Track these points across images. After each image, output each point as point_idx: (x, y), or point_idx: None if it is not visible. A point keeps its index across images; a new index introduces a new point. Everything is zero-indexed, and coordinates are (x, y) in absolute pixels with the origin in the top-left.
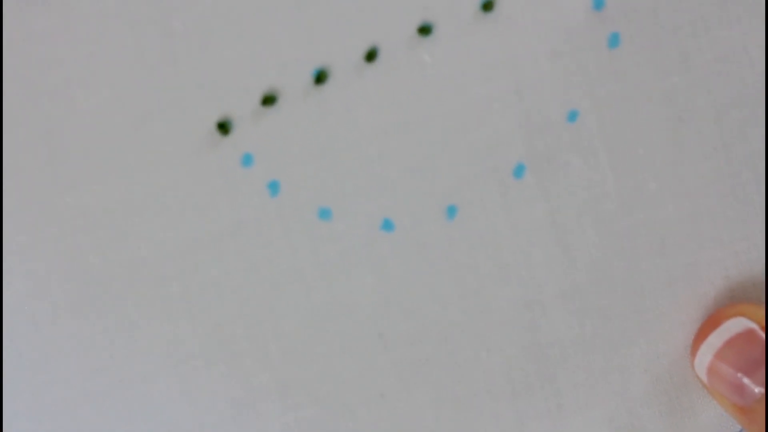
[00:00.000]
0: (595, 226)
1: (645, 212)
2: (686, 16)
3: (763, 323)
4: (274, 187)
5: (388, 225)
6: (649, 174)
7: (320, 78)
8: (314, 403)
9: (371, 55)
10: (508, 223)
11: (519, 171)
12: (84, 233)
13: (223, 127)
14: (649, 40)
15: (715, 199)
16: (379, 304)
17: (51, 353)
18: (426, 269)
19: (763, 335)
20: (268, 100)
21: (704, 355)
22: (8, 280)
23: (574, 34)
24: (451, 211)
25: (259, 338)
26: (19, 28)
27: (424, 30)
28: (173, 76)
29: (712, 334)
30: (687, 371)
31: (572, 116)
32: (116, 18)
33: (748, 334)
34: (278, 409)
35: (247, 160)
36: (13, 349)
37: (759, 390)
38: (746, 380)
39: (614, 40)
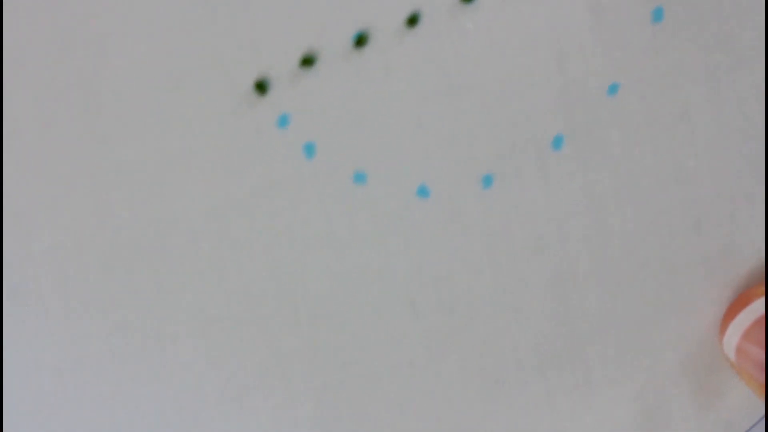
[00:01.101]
0: (632, 201)
1: (683, 189)
2: None
3: None
4: (309, 149)
5: (423, 191)
6: (689, 151)
7: (360, 41)
8: (342, 368)
9: (413, 20)
10: (544, 194)
11: (557, 142)
12: (115, 189)
13: (261, 87)
14: (693, 17)
15: (753, 179)
16: (412, 271)
17: (77, 309)
18: (460, 238)
19: None
20: (307, 62)
21: (733, 335)
22: (37, 234)
23: (618, 6)
24: (487, 180)
25: (288, 301)
26: None
27: None
28: (212, 34)
29: (740, 312)
30: (716, 351)
31: (613, 89)
32: None
33: None
34: (306, 373)
35: (283, 121)
36: (40, 303)
37: None
38: None
39: (658, 15)
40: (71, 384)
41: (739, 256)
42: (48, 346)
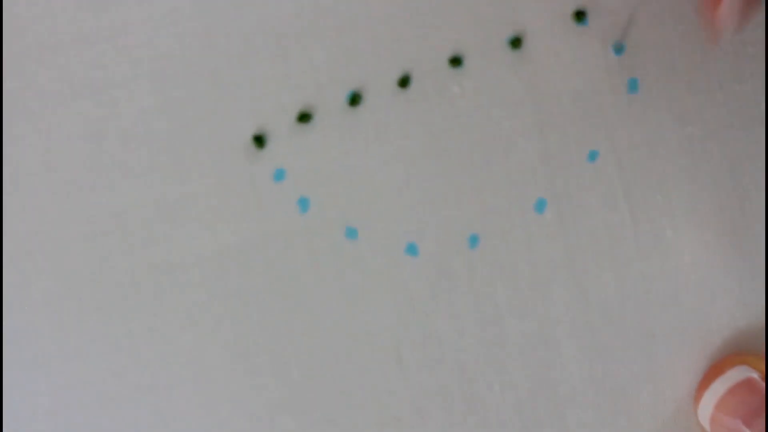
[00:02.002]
0: (611, 267)
1: (661, 259)
2: (701, 70)
3: (762, 374)
4: (303, 203)
5: (412, 249)
6: (666, 222)
7: (354, 100)
8: (331, 424)
9: (404, 82)
10: (527, 256)
11: (540, 206)
12: (115, 235)
13: (259, 141)
14: (667, 90)
15: (728, 250)
16: (399, 326)
17: (74, 353)
18: (447, 296)
19: (764, 385)
20: (304, 118)
21: (707, 403)
22: (37, 277)
23: (596, 77)
24: (474, 240)
25: (279, 353)
26: (69, 30)
27: (455, 61)
28: (214, 88)
29: (714, 382)
30: (691, 417)
31: (592, 156)
32: (163, 28)
33: (749, 383)
34: (294, 425)
35: (279, 174)
36: (37, 346)
37: None
38: (746, 430)
39: (633, 86)
40: (64, 427)
41: (714, 327)
42: (44, 390)
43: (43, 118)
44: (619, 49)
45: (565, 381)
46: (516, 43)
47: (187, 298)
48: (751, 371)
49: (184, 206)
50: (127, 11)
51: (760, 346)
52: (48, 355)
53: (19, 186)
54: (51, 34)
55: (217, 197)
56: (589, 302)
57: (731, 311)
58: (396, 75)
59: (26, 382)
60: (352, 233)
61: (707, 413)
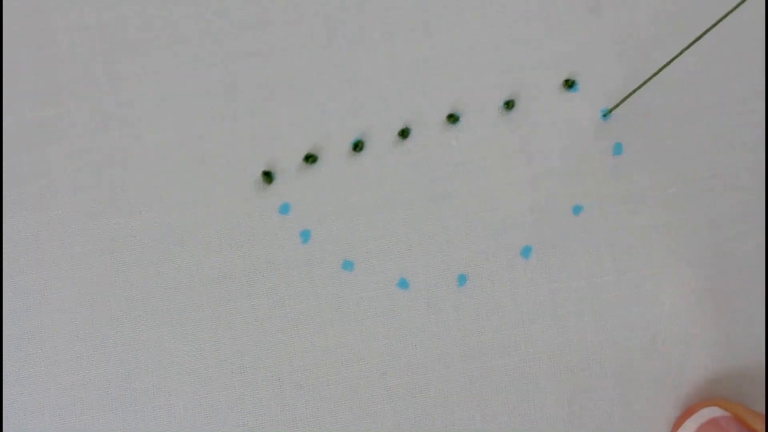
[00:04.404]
0: (592, 313)
1: (640, 308)
2: (683, 137)
3: (734, 415)
4: (305, 235)
5: (403, 283)
6: (646, 274)
7: (358, 146)
8: None
9: (404, 133)
10: (512, 297)
11: (526, 252)
12: (130, 253)
13: (268, 176)
14: (650, 154)
15: (704, 302)
16: (388, 355)
17: (84, 356)
18: (434, 328)
19: (733, 423)
20: (310, 159)
21: None
22: (57, 285)
23: (583, 139)
24: (462, 279)
25: (274, 370)
26: (104, 70)
27: (452, 118)
28: (231, 128)
29: (687, 419)
30: None
31: (577, 210)
32: (189, 74)
33: (719, 421)
34: None
35: (284, 208)
36: (50, 346)
37: None
38: None
39: (618, 149)
40: (69, 427)
41: (689, 375)
42: (52, 389)
43: (74, 144)
44: (606, 114)
45: (543, 417)
46: (510, 104)
47: (193, 314)
48: (723, 411)
49: (196, 231)
50: (158, 57)
51: (732, 395)
52: (60, 356)
53: (50, 203)
54: (88, 72)
55: (227, 225)
56: (569, 344)
57: (705, 361)
58: (397, 126)
59: (37, 379)
60: (348, 265)
61: None
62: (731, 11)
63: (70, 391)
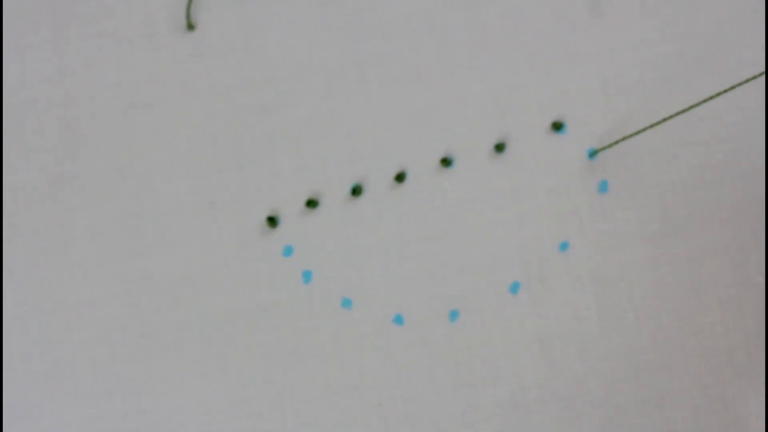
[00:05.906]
0: (577, 345)
1: (623, 339)
2: (667, 177)
3: None
4: (307, 275)
5: (399, 319)
6: (628, 306)
7: (356, 191)
8: None
9: (400, 178)
10: (501, 331)
11: (515, 288)
12: (146, 294)
13: (272, 221)
14: (634, 192)
15: (686, 334)
16: (384, 386)
17: (102, 390)
18: (427, 362)
19: None
20: (312, 204)
21: None
22: (78, 324)
23: (570, 178)
24: (454, 314)
25: (278, 403)
26: (122, 125)
27: (446, 162)
28: (237, 176)
29: None
30: None
31: (563, 247)
32: (199, 127)
33: None
34: None
35: (288, 250)
36: (71, 381)
37: None
38: None
39: (603, 187)
40: None
41: (672, 404)
42: (73, 423)
43: (93, 193)
44: (592, 154)
45: None
46: (500, 147)
47: (201, 350)
48: None
49: (205, 273)
50: (169, 112)
51: (715, 421)
52: (79, 391)
53: (71, 249)
54: (107, 128)
55: (234, 267)
56: (556, 374)
57: (690, 392)
58: (393, 172)
59: (59, 414)
60: (347, 303)
61: None
62: (728, 89)
63: (89, 425)
